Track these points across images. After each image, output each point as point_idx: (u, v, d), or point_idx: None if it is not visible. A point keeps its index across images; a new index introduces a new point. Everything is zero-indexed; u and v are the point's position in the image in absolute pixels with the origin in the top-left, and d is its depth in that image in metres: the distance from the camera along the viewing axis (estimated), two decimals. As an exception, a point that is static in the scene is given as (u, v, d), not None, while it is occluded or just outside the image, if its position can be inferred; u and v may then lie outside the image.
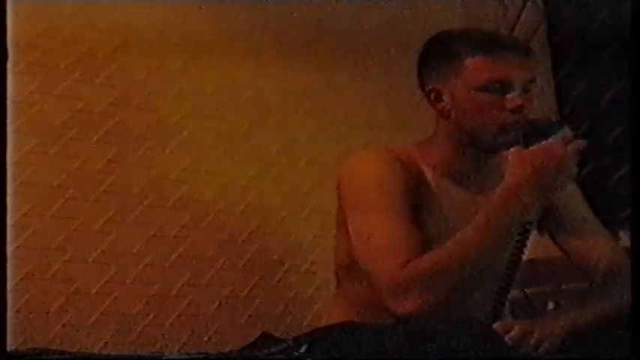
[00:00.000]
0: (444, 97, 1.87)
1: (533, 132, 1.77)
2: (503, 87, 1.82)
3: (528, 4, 3.84)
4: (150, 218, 3.10)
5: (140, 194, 3.10)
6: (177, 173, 3.18)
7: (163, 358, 2.67)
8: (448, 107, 1.86)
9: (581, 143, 1.74)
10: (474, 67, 1.83)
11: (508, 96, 1.82)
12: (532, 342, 1.70)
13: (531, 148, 1.74)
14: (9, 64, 1.80)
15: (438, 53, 1.89)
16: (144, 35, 3.19)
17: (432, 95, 1.88)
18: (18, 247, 2.81)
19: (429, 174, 1.89)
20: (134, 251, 3.05)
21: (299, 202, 3.39)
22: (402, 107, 3.50)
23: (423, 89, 1.92)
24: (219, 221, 3.23)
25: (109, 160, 3.06)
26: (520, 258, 1.81)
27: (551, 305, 3.29)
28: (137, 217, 3.07)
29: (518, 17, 3.82)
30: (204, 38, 3.31)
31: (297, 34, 3.45)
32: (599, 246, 1.93)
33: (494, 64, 1.82)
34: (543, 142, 1.73)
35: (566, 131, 1.74)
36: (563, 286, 3.31)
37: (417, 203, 1.83)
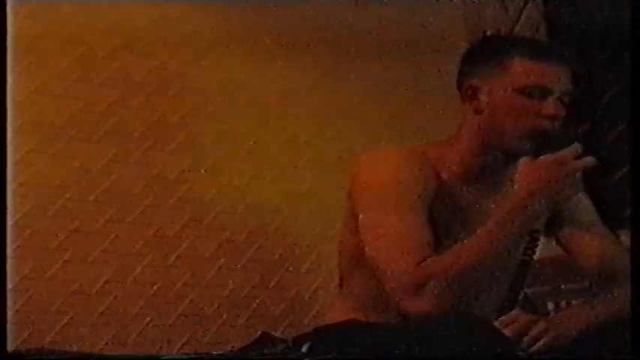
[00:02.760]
0: (480, 95, 1.87)
1: (545, 143, 1.79)
2: (542, 93, 1.83)
3: (528, 4, 3.84)
4: (150, 218, 3.10)
5: (140, 194, 3.10)
6: (178, 173, 3.19)
7: (163, 358, 2.67)
8: (483, 105, 1.87)
9: (590, 160, 1.75)
10: (521, 68, 1.83)
11: (545, 102, 1.82)
12: (532, 334, 1.71)
13: (541, 158, 1.76)
14: (9, 64, 1.80)
15: (486, 52, 1.90)
16: (144, 35, 3.19)
17: (469, 92, 1.88)
18: (18, 247, 2.81)
19: (445, 174, 1.88)
20: (134, 251, 3.05)
21: (299, 202, 3.38)
22: (402, 107, 3.51)
23: (460, 87, 1.92)
24: (219, 221, 3.23)
25: (109, 160, 3.06)
26: (529, 263, 1.85)
27: (551, 305, 3.29)
28: (137, 217, 3.07)
29: (519, 17, 3.82)
30: (205, 38, 3.31)
31: (297, 34, 3.45)
32: (602, 247, 1.93)
33: (540, 70, 1.83)
34: (554, 154, 1.75)
35: (577, 146, 1.75)
36: (563, 286, 3.31)
37: (431, 202, 1.83)
